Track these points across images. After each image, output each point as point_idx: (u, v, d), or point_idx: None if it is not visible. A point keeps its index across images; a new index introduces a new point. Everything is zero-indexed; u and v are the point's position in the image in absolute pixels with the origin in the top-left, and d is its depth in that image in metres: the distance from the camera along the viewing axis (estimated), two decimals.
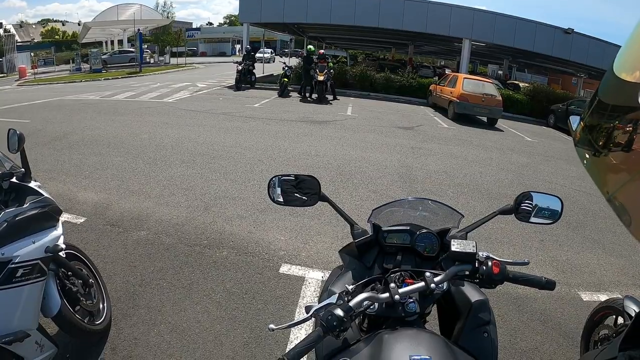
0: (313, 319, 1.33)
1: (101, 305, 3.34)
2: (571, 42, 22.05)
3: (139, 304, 3.67)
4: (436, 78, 23.01)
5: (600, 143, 1.52)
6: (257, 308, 3.57)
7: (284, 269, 4.20)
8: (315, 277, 4.08)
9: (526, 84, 26.91)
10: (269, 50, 21.55)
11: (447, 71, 26.90)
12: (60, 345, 2.80)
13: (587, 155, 1.65)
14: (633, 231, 0.74)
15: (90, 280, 3.31)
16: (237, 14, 38.43)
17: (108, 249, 4.57)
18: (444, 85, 17.96)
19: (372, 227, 1.83)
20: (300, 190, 1.94)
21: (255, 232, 4.96)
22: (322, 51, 20.29)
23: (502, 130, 15.33)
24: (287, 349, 1.58)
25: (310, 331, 1.28)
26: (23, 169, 2.91)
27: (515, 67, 42.29)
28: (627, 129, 1.20)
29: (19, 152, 2.97)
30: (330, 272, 1.93)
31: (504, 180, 7.98)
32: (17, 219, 2.57)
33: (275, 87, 19.44)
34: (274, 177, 1.95)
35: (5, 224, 2.48)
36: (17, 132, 2.95)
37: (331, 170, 7.44)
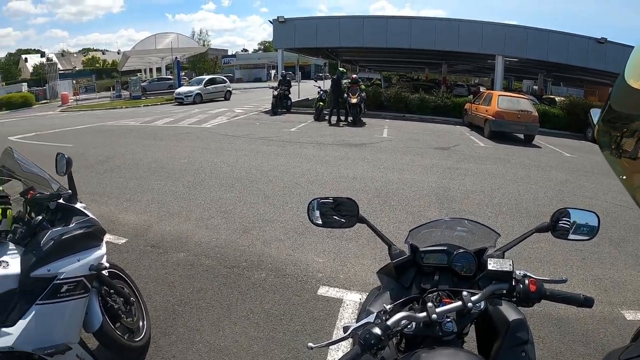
0: (351, 338, 1.34)
1: (141, 323, 3.42)
2: (605, 52, 21.54)
3: (177, 323, 3.71)
4: (471, 96, 22.79)
5: (613, 147, 1.49)
6: (294, 329, 3.56)
7: (322, 290, 4.17)
8: (353, 299, 4.03)
9: (562, 98, 26.27)
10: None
11: (482, 89, 26.60)
12: (100, 357, 2.88)
13: (607, 151, 1.64)
14: None
15: (131, 298, 3.39)
16: (271, 40, 39.22)
17: (149, 269, 4.67)
18: (478, 104, 17.72)
19: (409, 248, 1.84)
20: (338, 213, 1.96)
21: (294, 255, 4.96)
22: (354, 75, 20.42)
23: (539, 147, 14.98)
24: None
25: (348, 351, 1.27)
26: (70, 191, 3.02)
27: (550, 81, 41.47)
28: (636, 136, 1.17)
29: (66, 175, 3.10)
30: (368, 293, 1.93)
31: (543, 198, 7.77)
32: (63, 237, 2.68)
33: (311, 111, 19.61)
34: (313, 200, 1.98)
35: (52, 242, 2.59)
36: (65, 156, 3.09)
37: (368, 192, 7.41)
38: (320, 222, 1.97)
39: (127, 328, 3.21)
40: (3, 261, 2.43)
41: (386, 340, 1.26)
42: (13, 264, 2.45)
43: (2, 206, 2.54)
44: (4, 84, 53.65)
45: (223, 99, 31.53)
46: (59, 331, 2.55)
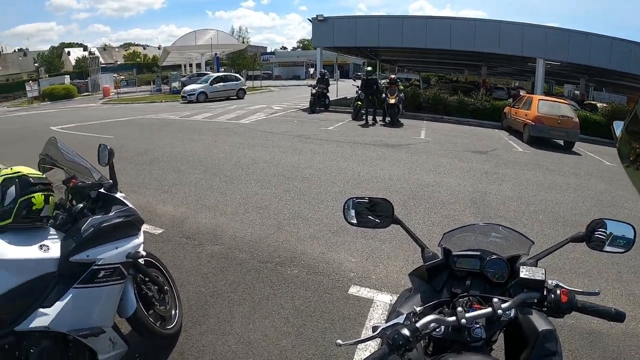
0: (379, 338, 1.34)
1: (173, 312, 3.51)
2: None
3: (209, 314, 3.80)
4: (510, 100, 22.28)
5: (631, 158, 1.44)
6: (323, 327, 3.58)
7: (353, 290, 4.17)
8: (383, 300, 4.02)
9: (604, 104, 25.37)
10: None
11: (522, 92, 25.94)
12: (131, 344, 2.96)
13: (626, 163, 1.58)
14: None
15: (165, 287, 3.50)
16: (310, 38, 39.29)
17: (183, 259, 4.78)
18: (518, 108, 17.24)
19: (442, 251, 1.83)
20: (373, 213, 1.97)
21: (327, 253, 4.97)
22: (393, 76, 20.28)
23: (579, 154, 14.51)
24: None
25: (376, 350, 1.28)
26: (111, 181, 3.14)
27: (592, 87, 40.11)
28: None
29: (108, 165, 3.22)
30: (399, 295, 1.93)
31: (581, 208, 7.53)
32: (102, 225, 2.78)
33: (348, 110, 19.56)
34: (349, 199, 1.99)
35: (92, 229, 2.71)
36: (108, 147, 3.22)
37: (404, 193, 7.36)
38: (355, 221, 1.98)
39: (159, 315, 3.31)
40: (44, 245, 2.54)
41: (414, 341, 1.26)
42: (53, 248, 2.56)
43: (45, 193, 2.65)
44: (47, 75, 55.67)
45: (235, 97, 30.11)
46: (93, 315, 2.66)
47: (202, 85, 29.93)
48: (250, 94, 34.48)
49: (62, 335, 2.51)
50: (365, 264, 4.71)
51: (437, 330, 1.44)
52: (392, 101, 16.78)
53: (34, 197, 2.58)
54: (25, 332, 2.39)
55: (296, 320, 3.67)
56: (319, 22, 24.63)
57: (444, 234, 1.91)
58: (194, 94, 28.44)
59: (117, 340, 2.81)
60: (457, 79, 48.27)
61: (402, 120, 17.43)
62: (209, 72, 42.96)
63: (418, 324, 1.31)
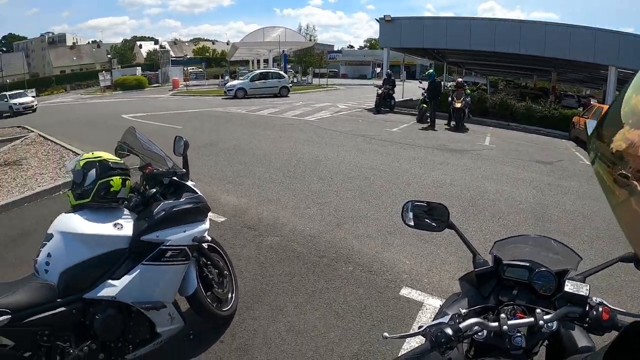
0: (423, 336, 1.38)
1: (230, 295, 3.75)
2: None
3: (263, 301, 3.99)
4: (580, 109, 21.16)
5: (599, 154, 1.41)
6: (371, 324, 3.65)
7: (405, 291, 4.21)
8: (433, 304, 4.03)
9: None
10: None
11: (593, 102, 24.56)
12: (187, 321, 3.18)
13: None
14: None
15: (225, 271, 3.74)
16: (377, 37, 38.94)
17: (243, 248, 5.03)
18: (587, 117, 16.32)
19: (493, 259, 1.85)
20: (430, 217, 2.01)
21: (382, 253, 5.02)
22: (460, 79, 19.82)
23: None
24: None
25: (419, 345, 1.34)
26: (184, 170, 3.41)
27: None
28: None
29: (182, 155, 3.49)
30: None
31: None
32: (173, 209, 3.04)
33: (413, 112, 19.28)
34: (408, 202, 2.04)
35: (164, 212, 2.97)
36: (184, 139, 3.51)
37: (463, 200, 7.26)
38: (412, 223, 2.03)
39: (217, 297, 3.55)
40: (118, 223, 2.80)
41: (456, 341, 1.30)
42: (126, 226, 2.83)
43: (123, 177, 2.91)
44: (119, 66, 59.34)
45: (278, 94, 29.44)
46: (157, 290, 2.91)
47: (241, 81, 30.29)
48: (315, 92, 34.70)
49: (126, 305, 2.76)
50: (418, 267, 4.73)
51: (479, 334, 1.48)
52: (458, 105, 16.39)
53: (112, 180, 2.84)
54: (94, 300, 2.65)
55: (346, 315, 3.77)
56: (386, 23, 24.37)
57: (496, 242, 1.94)
58: (232, 90, 28.84)
59: (175, 315, 3.05)
60: (525, 84, 46.46)
61: (467, 125, 17.04)
62: (276, 69, 43.77)
63: (461, 325, 1.35)
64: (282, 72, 32.06)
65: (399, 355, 1.29)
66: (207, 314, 3.42)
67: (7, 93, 29.49)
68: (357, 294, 4.12)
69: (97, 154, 2.91)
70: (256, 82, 29.48)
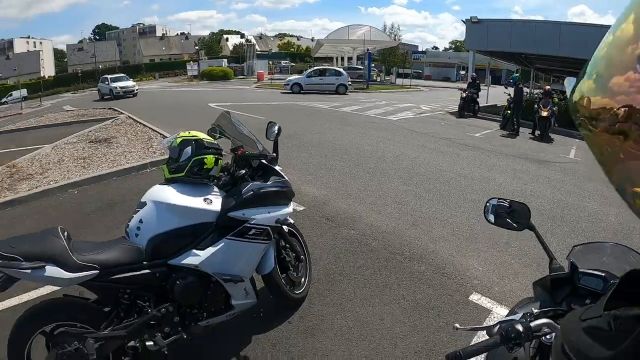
0: (491, 333, 1.41)
1: (303, 279, 3.94)
2: None
3: (334, 289, 4.15)
4: None
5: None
6: (438, 325, 3.68)
7: (474, 297, 4.19)
8: (501, 312, 3.97)
9: None
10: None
11: None
12: (260, 299, 3.38)
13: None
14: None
15: (302, 256, 3.92)
16: (462, 39, 37.68)
17: (319, 237, 5.23)
18: None
19: (569, 265, 1.83)
20: (511, 216, 2.01)
21: (456, 256, 5.02)
22: (548, 87, 18.80)
23: None
24: None
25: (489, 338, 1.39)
26: (274, 154, 3.62)
27: None
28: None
29: (274, 141, 3.71)
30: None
31: None
32: (260, 191, 3.24)
33: (498, 118, 18.63)
34: (491, 199, 2.07)
35: (252, 192, 3.17)
36: (277, 125, 3.72)
37: (544, 213, 6.98)
38: (492, 220, 2.05)
39: (291, 280, 3.74)
40: (208, 198, 3.03)
41: (525, 339, 1.33)
42: (215, 202, 3.05)
43: (216, 156, 3.15)
44: (206, 58, 62.63)
45: (335, 92, 28.72)
46: (237, 265, 3.10)
47: (298, 77, 30.79)
48: (398, 92, 34.28)
49: (206, 275, 2.97)
50: (490, 275, 4.69)
51: (548, 337, 1.46)
52: (545, 114, 15.57)
53: (206, 158, 3.07)
54: (177, 266, 2.88)
55: (413, 312, 3.84)
56: (472, 24, 23.59)
57: (574, 246, 1.93)
58: (288, 85, 29.29)
59: (250, 291, 3.25)
60: None
61: (552, 135, 16.20)
62: (360, 67, 43.73)
63: (532, 324, 1.37)
64: (341, 70, 31.87)
65: (471, 344, 1.36)
66: (280, 294, 3.61)
67: (109, 76, 30.41)
68: (426, 293, 4.17)
69: (193, 133, 3.16)
70: (312, 78, 29.69)
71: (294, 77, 31.11)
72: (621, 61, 0.61)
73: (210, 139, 3.26)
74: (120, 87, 28.21)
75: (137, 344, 2.72)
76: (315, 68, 32.77)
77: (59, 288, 3.19)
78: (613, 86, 0.62)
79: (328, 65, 38.30)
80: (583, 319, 0.90)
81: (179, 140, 3.10)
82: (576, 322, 0.90)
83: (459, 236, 5.62)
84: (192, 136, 3.13)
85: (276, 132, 3.70)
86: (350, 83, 30.23)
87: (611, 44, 0.65)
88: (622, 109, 0.60)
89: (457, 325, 1.50)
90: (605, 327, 0.83)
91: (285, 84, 29.90)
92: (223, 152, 3.31)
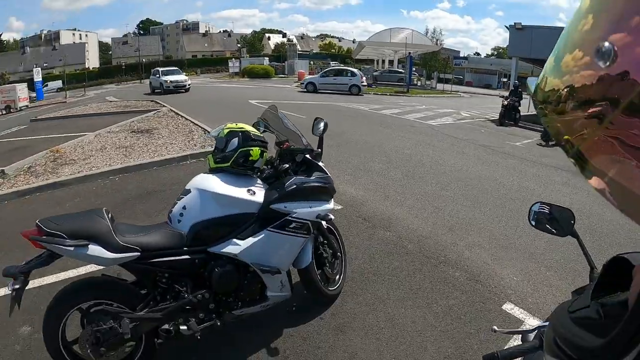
0: (529, 336, 1.45)
1: (338, 277, 3.99)
2: None
3: (367, 289, 4.21)
4: None
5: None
6: (469, 331, 3.68)
7: (507, 306, 4.16)
8: (533, 324, 3.97)
9: None
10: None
11: None
12: (294, 293, 3.45)
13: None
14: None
15: (338, 253, 3.97)
16: (505, 46, 36.90)
17: (356, 237, 5.30)
18: None
19: None
20: (555, 221, 2.00)
21: (491, 264, 4.98)
22: None
23: None
24: None
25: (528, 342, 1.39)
26: (319, 150, 3.69)
27: None
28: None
29: (319, 136, 3.78)
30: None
31: None
32: (303, 185, 3.33)
33: (539, 128, 18.09)
34: (536, 202, 2.05)
35: (294, 186, 3.25)
36: (324, 120, 3.77)
37: (582, 227, 6.62)
38: (533, 223, 2.04)
39: (326, 276, 3.80)
40: (251, 189, 3.12)
41: None
42: (258, 194, 3.14)
43: (262, 148, 3.23)
44: (248, 55, 63.79)
45: (348, 92, 28.34)
46: (275, 256, 3.17)
47: (312, 77, 31.43)
48: (438, 97, 33.77)
49: (244, 265, 3.06)
50: (525, 285, 4.65)
51: None
52: None
53: (252, 150, 3.16)
54: (216, 254, 2.96)
55: (445, 317, 3.85)
56: (516, 30, 23.14)
57: (614, 256, 1.93)
58: (304, 83, 29.94)
59: (286, 284, 3.32)
60: None
61: None
62: (401, 70, 43.46)
63: None
64: (355, 71, 31.47)
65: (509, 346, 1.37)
66: (315, 289, 3.67)
67: (160, 69, 29.76)
68: (459, 299, 4.18)
69: (240, 125, 3.25)
70: (326, 77, 29.95)
71: (309, 77, 31.94)
72: (572, 39, 0.60)
73: (256, 131, 3.34)
74: (171, 81, 27.21)
75: (171, 328, 2.81)
76: (330, 68, 33.49)
77: (96, 269, 3.33)
78: (562, 65, 0.61)
79: (344, 66, 38.27)
80: (571, 311, 0.91)
81: (226, 131, 3.20)
82: (565, 314, 0.91)
83: (495, 244, 5.58)
84: (239, 128, 3.22)
85: (322, 128, 3.76)
86: (364, 84, 30.09)
87: (571, 23, 0.63)
88: (565, 89, 0.59)
89: (495, 327, 1.54)
90: (595, 316, 0.83)
91: (301, 82, 30.95)
92: (268, 146, 3.39)
